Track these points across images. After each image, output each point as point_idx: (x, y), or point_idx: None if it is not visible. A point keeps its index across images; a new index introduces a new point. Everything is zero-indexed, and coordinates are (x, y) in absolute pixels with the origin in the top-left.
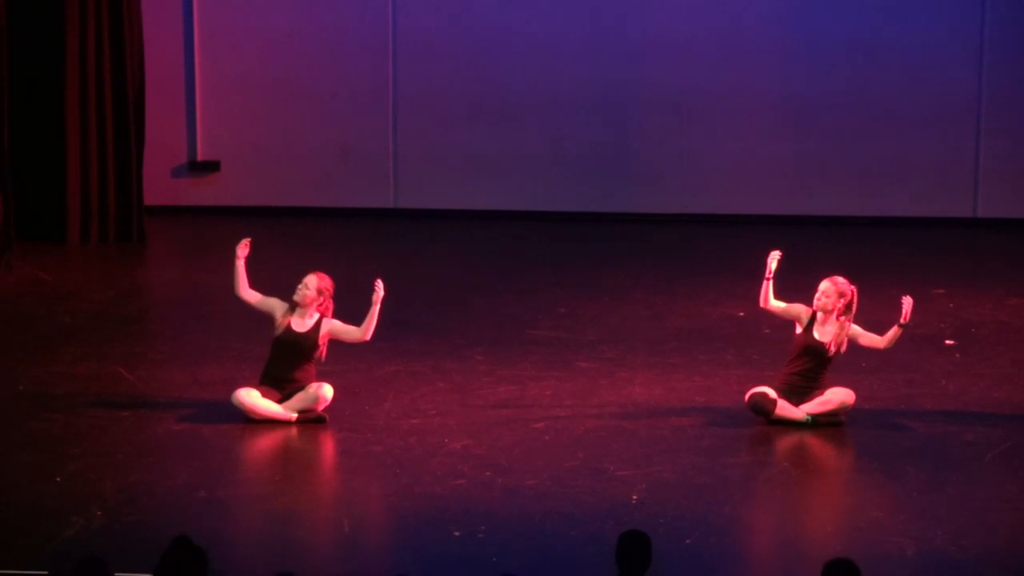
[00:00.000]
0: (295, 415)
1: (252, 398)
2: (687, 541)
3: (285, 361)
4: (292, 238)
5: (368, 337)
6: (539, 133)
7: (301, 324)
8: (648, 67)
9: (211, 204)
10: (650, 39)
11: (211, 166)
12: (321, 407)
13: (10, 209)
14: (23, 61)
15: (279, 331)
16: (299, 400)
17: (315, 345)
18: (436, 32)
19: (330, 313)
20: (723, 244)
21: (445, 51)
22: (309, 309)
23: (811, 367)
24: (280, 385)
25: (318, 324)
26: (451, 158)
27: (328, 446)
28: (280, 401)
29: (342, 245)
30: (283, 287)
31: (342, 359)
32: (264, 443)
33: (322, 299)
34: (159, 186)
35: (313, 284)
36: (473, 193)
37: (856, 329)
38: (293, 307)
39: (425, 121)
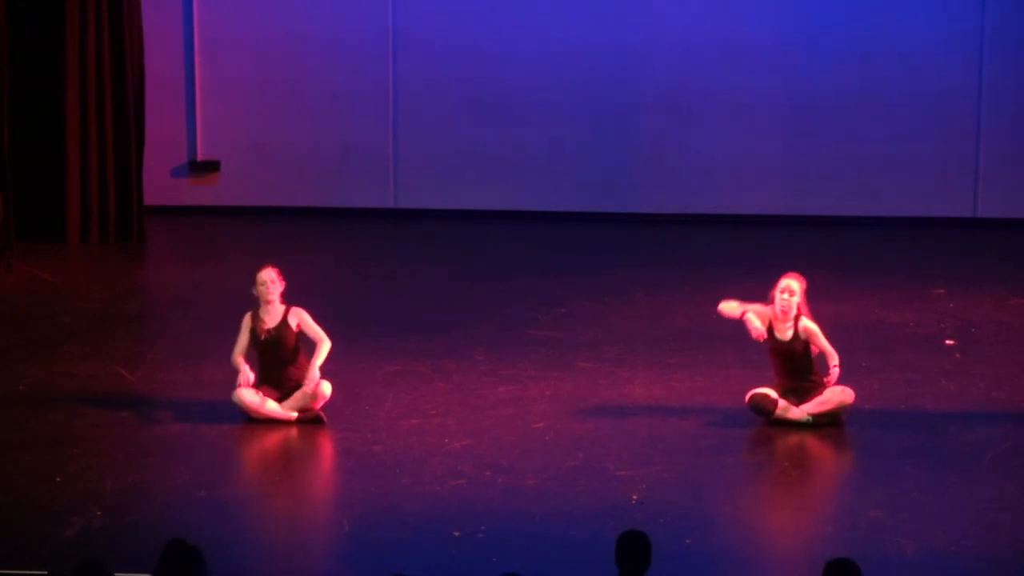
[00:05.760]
0: (295, 414)
1: (251, 397)
2: (687, 541)
3: (273, 361)
4: (292, 238)
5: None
6: (539, 133)
7: (272, 318)
8: (648, 67)
9: (211, 204)
10: (650, 39)
11: (211, 166)
12: (319, 404)
13: (10, 209)
14: (23, 61)
15: (260, 336)
16: (298, 398)
17: (292, 335)
18: (436, 32)
19: (282, 296)
20: (723, 244)
21: (445, 51)
22: (272, 302)
23: (792, 367)
24: (278, 385)
25: (286, 314)
26: (451, 158)
27: (328, 446)
28: (279, 400)
29: (342, 245)
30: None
31: (342, 359)
32: (264, 443)
33: (280, 285)
34: (159, 186)
35: (267, 276)
36: (473, 193)
37: (813, 328)
38: (257, 309)
39: (425, 121)
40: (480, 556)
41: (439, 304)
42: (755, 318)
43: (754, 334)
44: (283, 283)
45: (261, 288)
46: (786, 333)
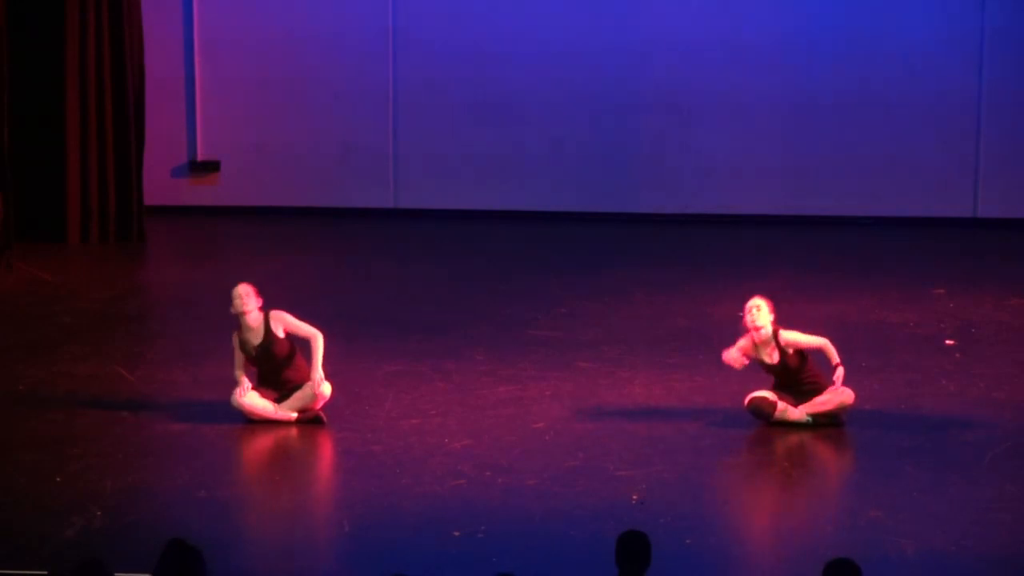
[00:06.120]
0: (294, 415)
1: (251, 399)
2: (687, 541)
3: (270, 369)
4: (292, 238)
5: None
6: (539, 133)
7: (256, 333)
8: (648, 67)
9: (211, 204)
10: (651, 39)
11: (211, 166)
12: (319, 405)
13: (10, 209)
14: (23, 61)
15: (252, 353)
16: (297, 399)
17: (281, 344)
18: (436, 32)
19: (260, 305)
20: (723, 244)
21: (445, 51)
22: (249, 313)
23: (790, 380)
24: (278, 388)
25: (268, 324)
26: (451, 158)
27: (328, 446)
28: (278, 401)
29: (342, 245)
30: (282, 286)
31: (342, 359)
32: (264, 443)
33: (256, 298)
34: (159, 186)
35: (240, 291)
36: (473, 193)
37: (793, 338)
38: (239, 326)
39: (425, 121)
40: (480, 556)
41: (439, 304)
42: (733, 353)
43: (738, 366)
44: (260, 299)
45: (236, 301)
46: (773, 356)
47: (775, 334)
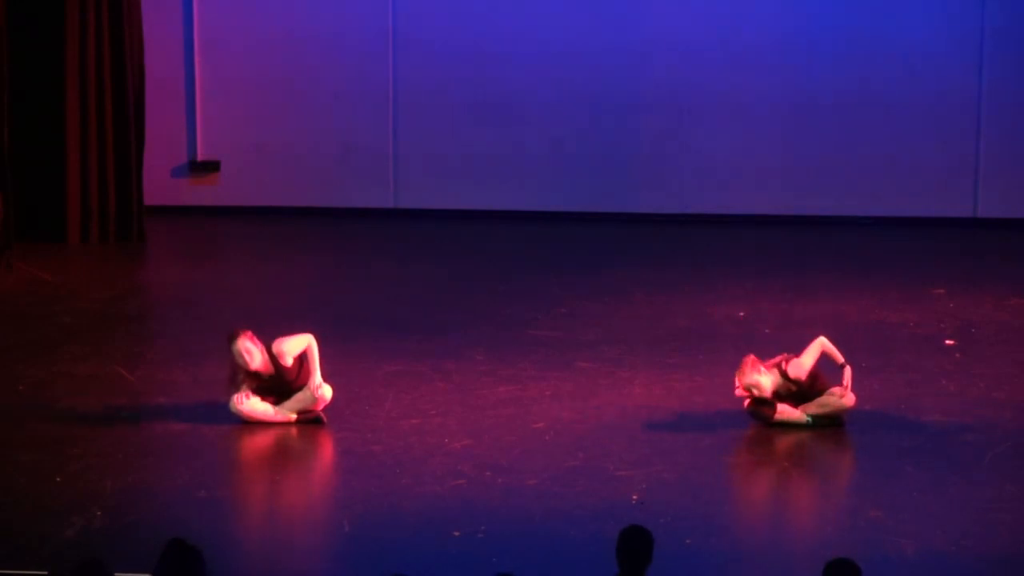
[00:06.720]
0: (294, 416)
1: (250, 405)
2: (687, 541)
3: (281, 386)
4: (292, 238)
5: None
6: (539, 133)
7: (265, 367)
8: (648, 67)
9: (211, 204)
10: (650, 39)
11: (211, 166)
12: (320, 407)
13: (10, 209)
14: (23, 61)
15: (264, 385)
16: (298, 400)
17: (290, 369)
18: (436, 32)
19: (260, 343)
20: (723, 244)
21: (445, 51)
22: (258, 362)
23: (806, 392)
24: (280, 394)
25: (274, 356)
26: (451, 158)
27: (328, 446)
28: (277, 402)
29: (342, 245)
30: (282, 287)
31: (342, 359)
32: (264, 443)
33: (256, 343)
34: (159, 186)
35: (240, 348)
36: (473, 193)
37: (799, 368)
38: (250, 376)
39: (425, 121)
40: (480, 556)
41: (439, 304)
42: (765, 397)
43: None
44: (260, 343)
45: (239, 361)
46: (792, 386)
47: (784, 375)
